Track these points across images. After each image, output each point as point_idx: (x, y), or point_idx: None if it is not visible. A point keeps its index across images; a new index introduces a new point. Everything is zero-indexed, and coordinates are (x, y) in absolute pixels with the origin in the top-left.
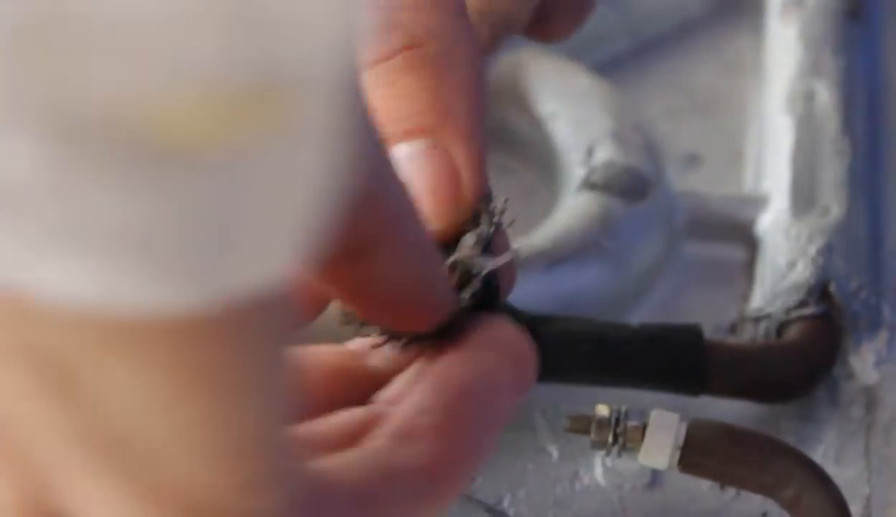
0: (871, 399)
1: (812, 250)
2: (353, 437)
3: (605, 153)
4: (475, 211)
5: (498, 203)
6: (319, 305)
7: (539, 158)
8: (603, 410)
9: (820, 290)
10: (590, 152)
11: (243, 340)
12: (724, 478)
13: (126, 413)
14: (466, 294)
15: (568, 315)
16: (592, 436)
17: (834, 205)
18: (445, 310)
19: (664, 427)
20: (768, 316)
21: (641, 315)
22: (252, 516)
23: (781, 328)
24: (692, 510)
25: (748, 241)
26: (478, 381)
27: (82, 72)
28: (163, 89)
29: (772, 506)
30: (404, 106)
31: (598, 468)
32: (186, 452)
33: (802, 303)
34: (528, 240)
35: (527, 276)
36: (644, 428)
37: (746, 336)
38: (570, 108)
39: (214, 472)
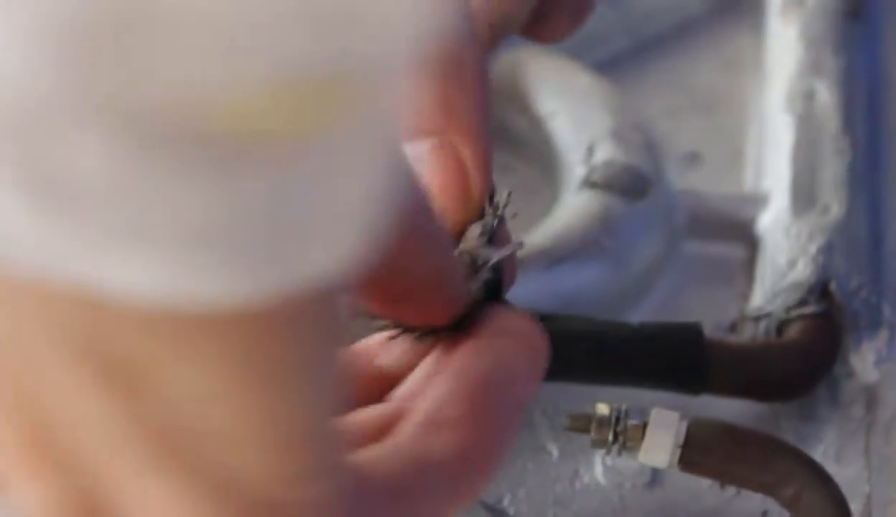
0: (871, 398)
1: (812, 249)
2: (378, 433)
3: (605, 152)
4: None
5: (501, 196)
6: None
7: (539, 157)
8: (603, 409)
9: (820, 289)
10: (590, 151)
11: (301, 333)
12: (724, 477)
13: (186, 406)
14: (475, 285)
15: (568, 314)
16: (592, 434)
17: (834, 203)
18: (462, 302)
19: (664, 426)
20: (768, 315)
21: (641, 314)
22: (303, 507)
23: (782, 327)
24: (692, 509)
25: (748, 239)
26: (497, 370)
27: (152, 67)
28: (232, 83)
29: (772, 504)
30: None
31: (599, 467)
32: (243, 444)
33: (803, 302)
34: (529, 238)
35: (527, 275)
36: (644, 426)
37: (747, 335)
38: (570, 107)
39: (270, 464)
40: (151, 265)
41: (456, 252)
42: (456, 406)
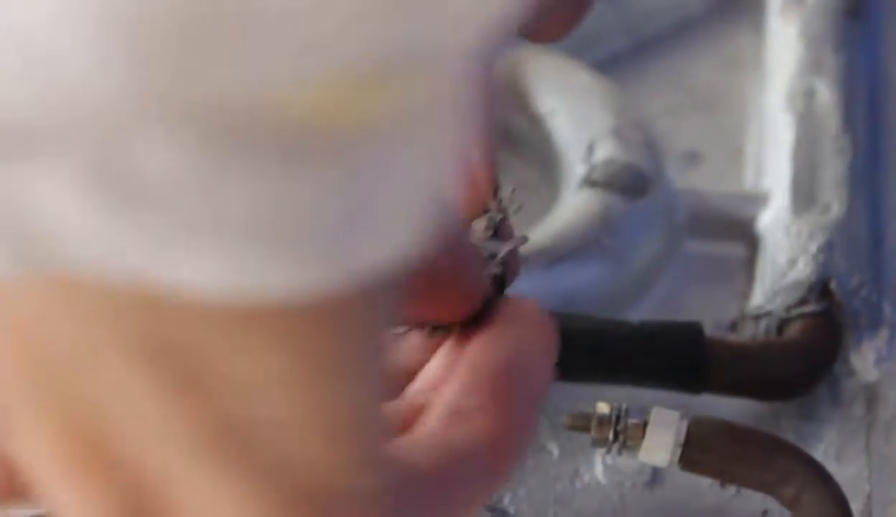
0: (871, 397)
1: (812, 248)
2: (401, 428)
3: (605, 150)
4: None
5: (505, 192)
6: None
7: (539, 156)
8: (603, 408)
9: (820, 288)
10: (590, 150)
11: (354, 324)
12: (724, 476)
13: (241, 398)
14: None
15: (568, 312)
16: (593, 433)
17: (834, 202)
18: (481, 296)
19: (665, 424)
20: (769, 313)
21: (642, 312)
22: (352, 497)
23: (782, 326)
24: (693, 508)
25: (749, 238)
26: (515, 357)
27: (222, 62)
28: (302, 75)
29: (772, 503)
30: None
31: (599, 466)
32: (296, 435)
33: (803, 301)
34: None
35: (527, 274)
36: (644, 425)
37: (747, 334)
38: (570, 106)
39: (321, 454)
40: (216, 259)
41: None
42: (479, 395)
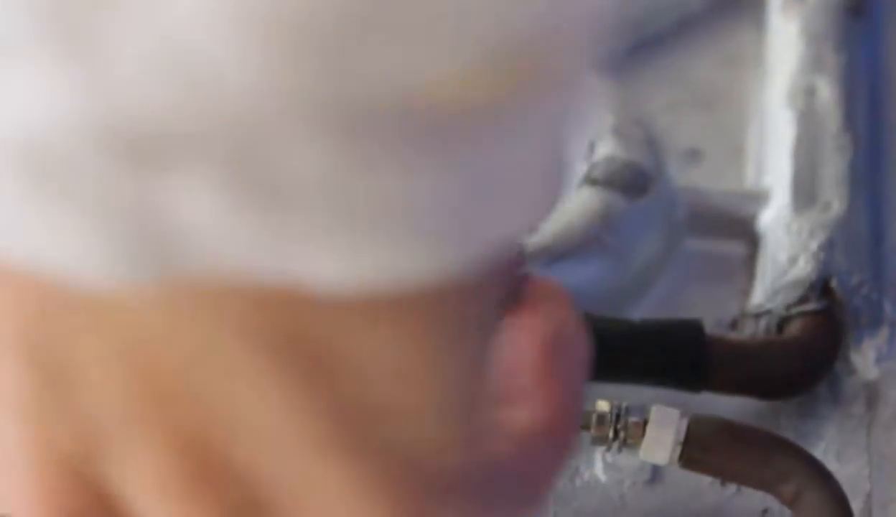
0: (872, 395)
1: (813, 246)
2: None
3: (605, 148)
4: None
5: None
6: None
7: None
8: (603, 406)
9: (821, 286)
10: (590, 147)
11: (478, 303)
12: (724, 474)
13: (372, 385)
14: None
15: None
16: (593, 431)
17: (835, 200)
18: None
19: (665, 423)
20: (769, 312)
21: (642, 310)
22: (467, 472)
23: (782, 324)
24: (693, 506)
25: (749, 236)
26: (556, 333)
27: (368, 57)
28: (447, 61)
29: (772, 502)
30: None
31: (599, 464)
32: (423, 416)
33: (803, 299)
34: (529, 235)
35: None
36: (644, 423)
37: (747, 332)
38: None
39: (443, 431)
40: (349, 253)
41: None
42: (529, 376)
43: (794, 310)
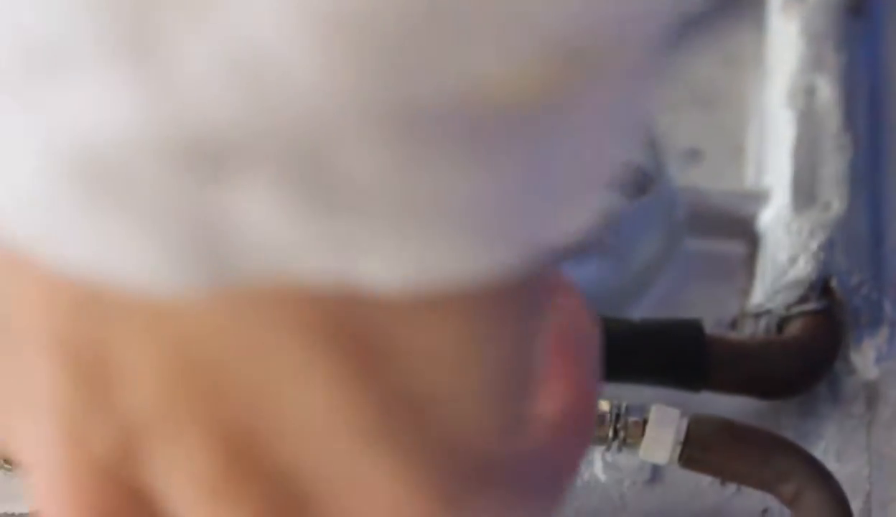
0: (872, 395)
1: (813, 245)
2: None
3: None
4: None
5: None
6: None
7: None
8: (603, 405)
9: (821, 286)
10: None
11: (530, 297)
12: (724, 474)
13: (424, 376)
14: None
15: None
16: None
17: (835, 200)
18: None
19: (665, 422)
20: (769, 311)
21: (642, 310)
22: (509, 459)
23: (782, 324)
24: (692, 506)
25: (749, 236)
26: (571, 322)
27: (435, 57)
28: (513, 58)
29: (772, 501)
30: None
31: (598, 463)
32: (468, 402)
33: (803, 299)
34: None
35: None
36: (644, 423)
37: (747, 331)
38: None
39: (488, 419)
40: (410, 251)
41: None
42: (548, 366)
43: (794, 310)
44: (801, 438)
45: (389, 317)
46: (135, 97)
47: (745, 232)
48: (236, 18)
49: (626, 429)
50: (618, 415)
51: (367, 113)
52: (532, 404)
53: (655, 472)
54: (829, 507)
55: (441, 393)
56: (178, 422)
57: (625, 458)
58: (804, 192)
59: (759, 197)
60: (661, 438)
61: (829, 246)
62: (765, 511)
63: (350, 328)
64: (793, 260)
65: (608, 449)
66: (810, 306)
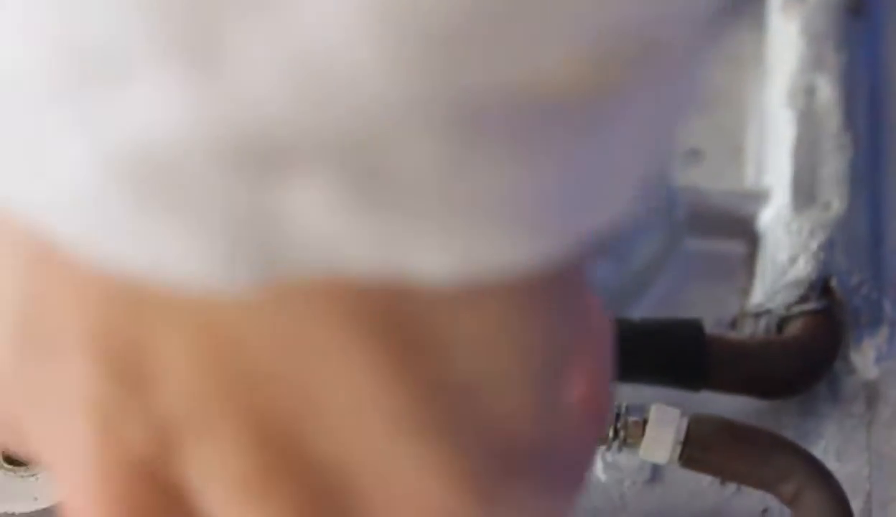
0: (871, 395)
1: (813, 245)
2: None
3: None
4: None
5: None
6: None
7: None
8: None
9: (821, 286)
10: None
11: (571, 286)
12: (724, 474)
13: (463, 363)
14: None
15: None
16: None
17: (835, 200)
18: None
19: (665, 422)
20: (769, 311)
21: (642, 310)
22: (540, 447)
23: (782, 323)
24: (692, 505)
25: (749, 236)
26: (583, 314)
27: (492, 51)
28: (556, 52)
29: (772, 501)
30: None
31: (599, 463)
32: (510, 390)
33: (803, 299)
34: None
35: None
36: (644, 423)
37: (747, 331)
38: None
39: (528, 403)
40: (461, 243)
41: None
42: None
43: (793, 310)
44: (801, 438)
45: (432, 307)
46: (187, 97)
47: (745, 232)
48: (293, 17)
49: (627, 429)
50: (618, 415)
51: (425, 108)
52: (563, 393)
53: (655, 472)
54: (829, 507)
55: (480, 381)
56: (214, 418)
57: (625, 458)
58: (804, 191)
59: (758, 197)
60: (661, 438)
61: (829, 246)
62: (765, 511)
63: (394, 319)
64: (793, 260)
65: (608, 448)
66: (810, 306)
